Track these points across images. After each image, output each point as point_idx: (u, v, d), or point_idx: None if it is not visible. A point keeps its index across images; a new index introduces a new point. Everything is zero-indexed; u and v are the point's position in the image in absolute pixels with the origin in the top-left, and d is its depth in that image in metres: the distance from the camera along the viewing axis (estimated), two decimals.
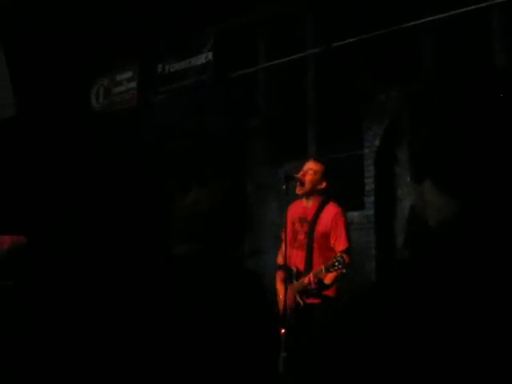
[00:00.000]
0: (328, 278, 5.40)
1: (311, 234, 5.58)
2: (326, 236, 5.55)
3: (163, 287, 2.16)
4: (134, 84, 11.55)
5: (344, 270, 5.28)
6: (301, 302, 5.48)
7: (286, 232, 5.61)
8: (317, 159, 5.91)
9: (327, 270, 5.28)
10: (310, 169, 5.60)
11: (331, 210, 5.59)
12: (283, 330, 5.39)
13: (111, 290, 2.24)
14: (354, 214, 8.32)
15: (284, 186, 5.64)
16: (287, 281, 5.51)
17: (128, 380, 2.08)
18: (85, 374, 2.19)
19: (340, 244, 5.51)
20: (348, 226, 5.68)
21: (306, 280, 5.40)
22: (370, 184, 8.66)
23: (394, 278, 1.16)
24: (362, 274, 8.28)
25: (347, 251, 5.45)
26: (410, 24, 8.18)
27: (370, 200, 8.64)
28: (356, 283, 7.41)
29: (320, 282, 5.38)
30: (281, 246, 5.87)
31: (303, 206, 5.71)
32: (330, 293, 5.52)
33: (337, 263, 5.21)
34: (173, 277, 2.16)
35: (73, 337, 2.27)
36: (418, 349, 0.99)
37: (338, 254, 5.30)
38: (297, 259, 5.63)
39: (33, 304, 2.35)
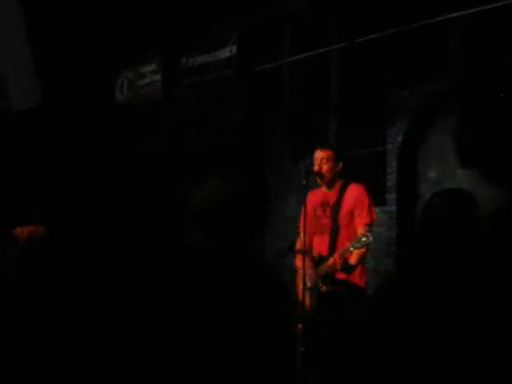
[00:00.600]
0: (353, 258, 5.33)
1: (336, 217, 5.56)
2: (351, 215, 5.52)
3: (175, 279, 2.17)
4: (158, 76, 11.58)
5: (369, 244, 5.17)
6: (324, 287, 5.43)
7: (305, 220, 5.57)
8: (322, 146, 5.83)
9: (354, 247, 5.17)
10: (322, 158, 5.60)
11: (355, 189, 5.60)
12: (300, 325, 5.36)
13: (125, 279, 2.25)
14: (377, 211, 8.29)
15: (304, 181, 5.65)
16: (308, 267, 5.48)
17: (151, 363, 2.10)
18: (100, 362, 2.20)
19: (363, 219, 5.48)
20: (372, 203, 5.62)
21: (330, 261, 5.32)
22: (392, 180, 8.63)
23: (427, 268, 1.10)
24: (383, 271, 8.26)
25: (369, 225, 5.41)
26: (436, 20, 8.12)
27: (391, 196, 8.61)
28: (377, 279, 7.39)
29: (345, 262, 5.30)
30: (299, 236, 5.86)
31: (324, 192, 5.72)
32: (355, 279, 5.47)
33: (364, 238, 5.10)
34: (187, 269, 2.17)
35: (90, 325, 2.28)
36: (443, 346, 0.93)
37: (365, 229, 5.21)
38: (320, 245, 5.60)
39: (50, 294, 2.37)
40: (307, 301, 5.48)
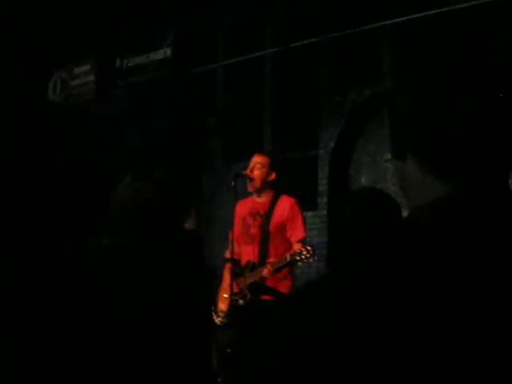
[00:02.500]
0: (284, 271, 5.34)
1: (266, 227, 5.54)
2: (282, 227, 5.51)
3: (93, 279, 2.14)
4: (91, 77, 11.45)
5: (311, 260, 5.16)
6: (248, 295, 5.41)
7: (233, 229, 5.57)
8: (262, 152, 5.87)
9: (292, 259, 5.13)
10: (257, 162, 5.58)
11: (287, 201, 5.58)
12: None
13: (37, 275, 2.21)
14: (308, 214, 8.33)
15: (232, 183, 5.64)
16: (234, 275, 5.47)
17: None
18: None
19: (297, 234, 5.47)
20: (304, 217, 5.65)
21: (264, 272, 5.29)
22: (323, 185, 8.69)
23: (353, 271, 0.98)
24: (315, 272, 8.31)
25: (303, 241, 5.43)
26: (368, 27, 8.22)
27: (323, 201, 8.67)
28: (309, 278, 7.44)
29: (275, 272, 5.29)
30: (229, 245, 5.85)
31: (254, 201, 5.70)
32: (282, 288, 5.46)
33: (308, 255, 5.07)
34: (101, 269, 2.14)
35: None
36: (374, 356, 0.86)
37: (308, 246, 5.18)
38: (249, 254, 5.58)
39: None
40: (225, 308, 5.47)
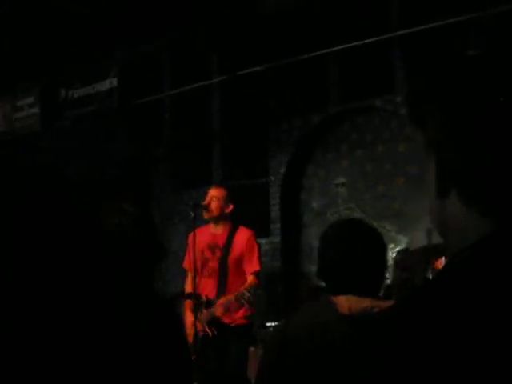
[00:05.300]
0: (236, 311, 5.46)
1: (225, 260, 5.58)
2: (240, 260, 5.58)
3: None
4: (36, 109, 11.27)
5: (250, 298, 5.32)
6: (209, 332, 5.46)
7: (194, 260, 5.55)
8: (218, 185, 5.97)
9: (237, 300, 5.32)
10: (213, 196, 5.64)
11: (244, 234, 5.64)
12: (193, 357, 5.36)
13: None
14: (261, 241, 8.32)
15: (192, 214, 5.65)
16: (196, 310, 5.48)
17: None
18: None
19: (251, 266, 5.57)
20: (260, 249, 5.78)
21: (216, 313, 5.41)
22: (275, 211, 8.71)
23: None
24: (271, 298, 8.32)
25: (257, 273, 5.56)
26: (314, 54, 8.31)
27: (275, 227, 8.69)
28: (260, 308, 7.43)
29: (228, 312, 5.43)
30: (187, 276, 5.84)
31: (211, 233, 5.71)
32: (240, 321, 5.53)
33: (246, 296, 5.26)
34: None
35: None
36: None
37: (247, 286, 5.37)
38: (207, 287, 5.60)
39: None
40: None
